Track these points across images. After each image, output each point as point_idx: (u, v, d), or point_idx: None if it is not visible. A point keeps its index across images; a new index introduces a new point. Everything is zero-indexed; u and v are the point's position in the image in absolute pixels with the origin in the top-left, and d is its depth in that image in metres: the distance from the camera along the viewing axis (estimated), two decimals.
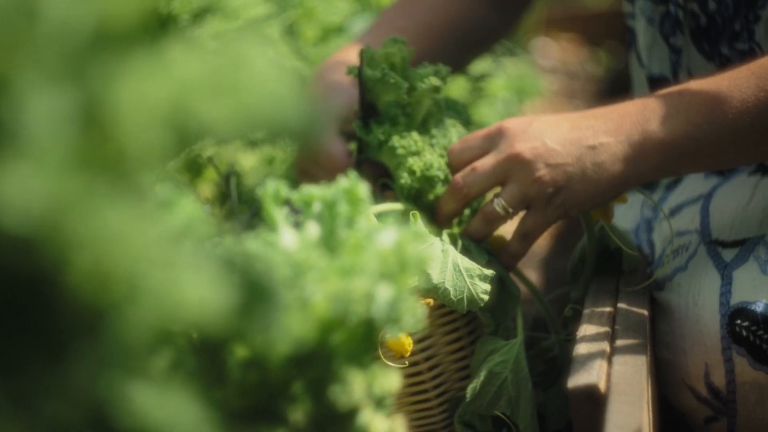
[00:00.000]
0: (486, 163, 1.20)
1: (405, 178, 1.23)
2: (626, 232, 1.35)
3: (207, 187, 1.83)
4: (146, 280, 0.43)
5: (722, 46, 1.36)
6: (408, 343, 1.12)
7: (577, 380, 0.99)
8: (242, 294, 0.50)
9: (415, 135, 1.24)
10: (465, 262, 1.13)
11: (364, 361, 0.81)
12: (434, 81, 1.23)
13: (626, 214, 1.51)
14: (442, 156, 1.24)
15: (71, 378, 0.43)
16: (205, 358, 0.59)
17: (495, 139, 1.21)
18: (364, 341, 0.80)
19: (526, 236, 1.22)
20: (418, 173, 1.22)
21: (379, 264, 0.77)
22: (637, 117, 1.18)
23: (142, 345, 0.44)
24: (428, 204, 1.25)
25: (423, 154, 1.23)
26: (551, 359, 1.27)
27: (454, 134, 1.28)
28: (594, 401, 0.97)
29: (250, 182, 1.82)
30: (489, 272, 1.14)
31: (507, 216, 1.20)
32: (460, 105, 1.35)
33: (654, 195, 1.48)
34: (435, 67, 1.26)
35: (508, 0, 1.67)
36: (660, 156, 1.17)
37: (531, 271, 2.08)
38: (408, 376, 1.20)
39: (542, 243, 2.27)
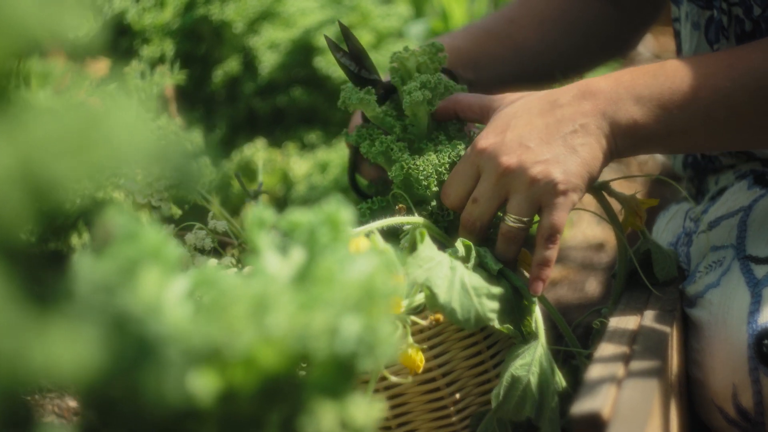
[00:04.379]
0: (482, 190, 1.18)
1: (393, 171, 1.24)
2: (668, 249, 1.31)
3: None
4: None
5: None
6: (420, 359, 1.11)
7: (581, 405, 0.97)
8: (124, 352, 0.49)
9: (396, 140, 1.26)
10: (473, 280, 1.12)
11: (339, 393, 0.80)
12: (417, 96, 1.22)
13: (669, 225, 1.48)
14: (441, 165, 1.22)
15: None
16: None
17: (478, 163, 1.19)
18: (339, 374, 0.80)
19: (549, 237, 1.18)
20: (405, 169, 1.22)
21: (346, 296, 0.76)
22: (610, 95, 1.18)
23: None
24: (420, 198, 1.24)
25: (414, 156, 1.24)
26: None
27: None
28: (597, 428, 0.95)
29: (302, 189, 1.82)
30: (497, 290, 1.12)
31: (524, 226, 1.17)
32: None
33: (699, 206, 1.44)
34: (420, 78, 1.24)
35: (630, 4, 1.63)
36: (629, 138, 1.18)
37: (593, 280, 2.05)
38: (425, 393, 1.19)
39: (611, 247, 2.23)
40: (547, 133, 1.17)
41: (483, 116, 1.24)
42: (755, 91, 1.17)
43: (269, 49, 1.89)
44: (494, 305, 1.12)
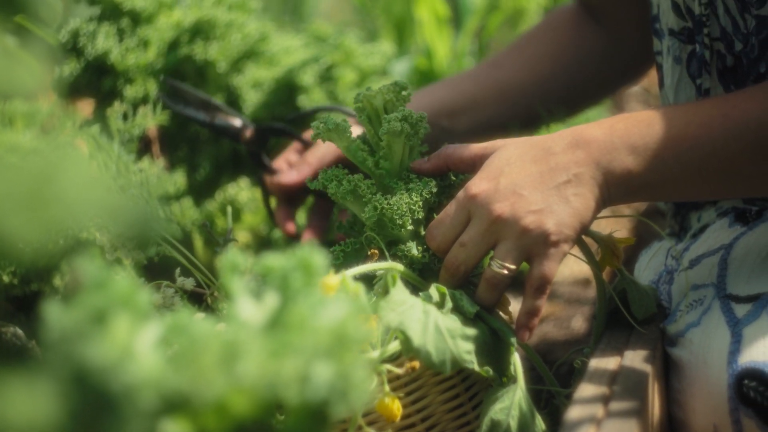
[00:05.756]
0: (472, 234, 1.18)
1: (366, 212, 1.23)
2: (647, 286, 1.30)
3: (243, 235, 1.84)
4: None
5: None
6: (397, 408, 1.10)
7: None
8: (85, 405, 0.49)
9: (363, 179, 1.25)
10: (447, 322, 1.11)
11: None
12: (396, 125, 1.21)
13: (651, 263, 1.47)
14: (415, 203, 1.22)
15: None
16: None
17: (469, 208, 1.18)
18: (312, 421, 0.79)
19: (539, 287, 1.18)
20: (379, 209, 1.21)
21: (317, 342, 0.76)
22: (604, 144, 1.18)
23: None
24: (393, 237, 1.23)
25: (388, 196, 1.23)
26: None
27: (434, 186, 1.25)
28: None
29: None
30: (471, 331, 1.12)
31: (510, 274, 1.17)
32: None
33: (680, 244, 1.44)
34: (404, 112, 1.23)
35: (627, 36, 1.63)
36: (623, 187, 1.19)
37: (579, 316, 2.04)
38: None
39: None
40: (541, 181, 1.17)
41: (475, 166, 1.24)
42: (751, 140, 1.18)
43: (253, 88, 1.89)
44: (469, 346, 1.12)
